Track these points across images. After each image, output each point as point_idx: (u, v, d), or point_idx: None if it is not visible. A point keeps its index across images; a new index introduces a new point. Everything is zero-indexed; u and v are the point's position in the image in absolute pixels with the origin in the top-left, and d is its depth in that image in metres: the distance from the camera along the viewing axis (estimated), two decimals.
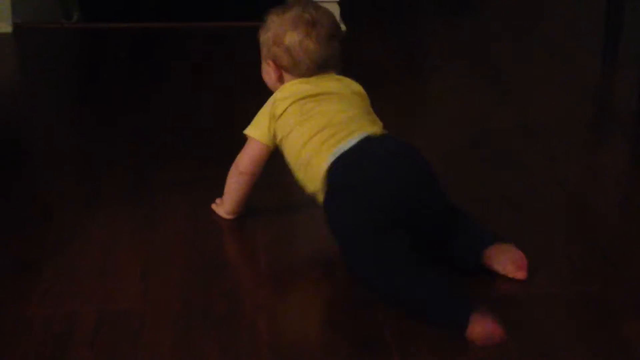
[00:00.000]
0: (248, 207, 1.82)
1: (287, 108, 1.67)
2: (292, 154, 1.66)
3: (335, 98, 1.68)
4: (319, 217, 1.66)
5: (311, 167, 1.62)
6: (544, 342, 1.44)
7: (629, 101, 2.54)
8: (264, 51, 1.74)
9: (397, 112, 2.34)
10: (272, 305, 1.54)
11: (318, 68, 1.70)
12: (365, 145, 1.60)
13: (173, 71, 2.83)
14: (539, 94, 2.63)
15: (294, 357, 1.40)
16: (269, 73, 1.75)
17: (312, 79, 1.70)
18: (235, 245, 1.75)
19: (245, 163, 1.74)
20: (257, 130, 1.71)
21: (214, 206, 1.83)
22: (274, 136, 1.70)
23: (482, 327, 1.41)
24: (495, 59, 2.97)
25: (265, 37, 1.73)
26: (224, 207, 1.80)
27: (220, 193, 1.82)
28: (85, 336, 1.44)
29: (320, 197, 1.63)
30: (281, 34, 1.69)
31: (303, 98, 1.67)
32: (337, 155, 1.59)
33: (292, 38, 1.69)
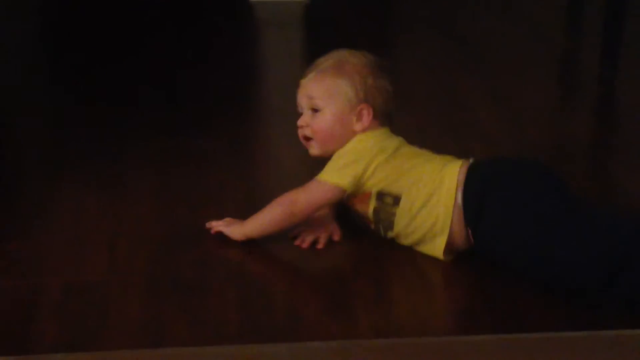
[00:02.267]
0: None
1: (386, 160, 1.58)
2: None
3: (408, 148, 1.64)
4: (288, 186, 1.65)
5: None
6: None
7: (592, 66, 2.56)
8: (350, 96, 1.62)
9: None
10: (241, 274, 1.54)
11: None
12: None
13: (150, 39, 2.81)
14: (506, 61, 2.63)
15: (262, 325, 1.40)
16: (352, 121, 1.62)
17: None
18: (204, 215, 1.74)
19: (304, 206, 1.58)
20: (343, 178, 1.58)
21: (221, 226, 1.63)
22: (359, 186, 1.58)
23: None
24: (462, 26, 2.97)
25: (355, 80, 1.62)
26: (244, 229, 1.61)
27: (193, 169, 1.81)
28: (51, 307, 1.43)
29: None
30: (371, 77, 1.63)
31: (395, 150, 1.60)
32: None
33: (381, 82, 1.64)
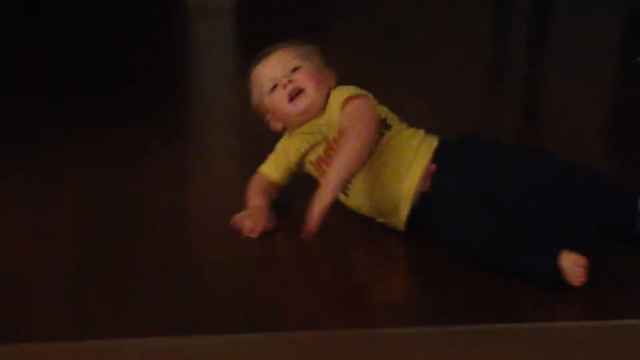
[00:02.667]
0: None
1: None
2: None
3: None
4: (219, 173, 1.64)
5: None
6: None
7: (519, 63, 2.61)
8: (318, 58, 1.73)
9: None
10: (170, 265, 1.53)
11: None
12: None
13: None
14: (435, 56, 2.66)
15: (190, 317, 1.39)
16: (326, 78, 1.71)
17: None
18: (133, 206, 1.72)
19: (369, 125, 1.61)
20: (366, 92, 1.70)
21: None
22: None
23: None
24: (395, 20, 2.99)
25: (316, 49, 1.74)
26: (331, 185, 1.54)
27: (122, 160, 1.80)
28: None
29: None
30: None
31: None
32: None
33: None
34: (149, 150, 1.95)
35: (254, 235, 1.61)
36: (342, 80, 1.74)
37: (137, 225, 1.63)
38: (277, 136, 1.74)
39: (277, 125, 1.73)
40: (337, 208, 1.72)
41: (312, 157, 1.68)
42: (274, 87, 1.68)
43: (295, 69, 1.68)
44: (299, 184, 1.72)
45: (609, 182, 1.63)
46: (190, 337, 1.34)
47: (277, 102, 1.68)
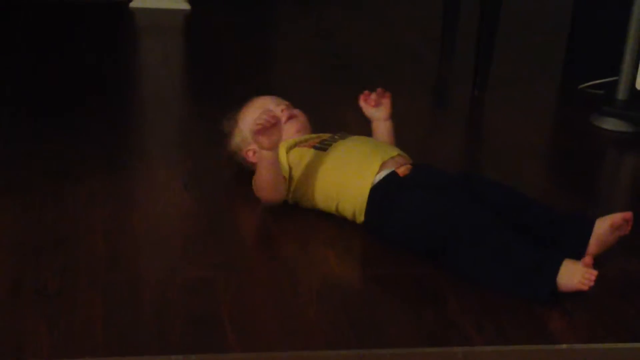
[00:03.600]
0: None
1: None
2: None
3: None
4: (159, 195, 1.63)
5: None
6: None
7: (464, 89, 2.65)
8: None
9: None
10: (108, 283, 1.52)
11: None
12: None
13: None
14: (380, 78, 2.68)
15: (128, 334, 1.38)
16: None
17: None
18: (71, 220, 1.71)
19: None
20: None
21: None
22: None
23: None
24: (341, 46, 3.01)
25: None
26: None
27: (61, 176, 1.78)
28: None
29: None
30: None
31: None
32: None
33: None
34: (89, 167, 1.93)
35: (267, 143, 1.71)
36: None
37: (75, 242, 1.62)
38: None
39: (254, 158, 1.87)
40: (285, 231, 1.74)
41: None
42: None
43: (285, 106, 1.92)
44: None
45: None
46: (124, 358, 1.33)
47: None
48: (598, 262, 1.58)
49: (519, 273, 1.53)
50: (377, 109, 1.94)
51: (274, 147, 1.75)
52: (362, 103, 1.95)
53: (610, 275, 1.60)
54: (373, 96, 1.93)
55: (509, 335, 1.43)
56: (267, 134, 1.72)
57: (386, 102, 1.94)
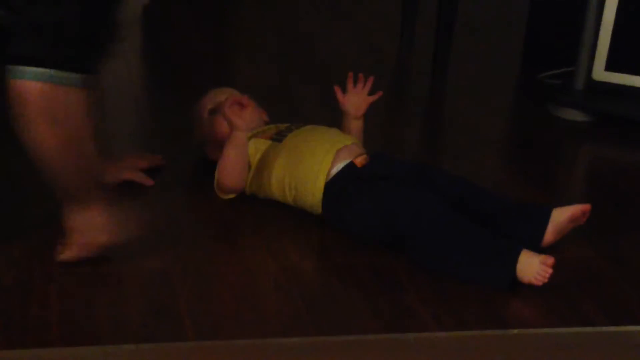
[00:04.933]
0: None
1: None
2: None
3: None
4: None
5: None
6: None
7: (423, 81, 2.66)
8: None
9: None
10: (64, 274, 1.51)
11: None
12: None
13: None
14: (340, 69, 2.67)
15: (83, 328, 1.38)
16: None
17: None
18: (27, 214, 1.69)
19: None
20: None
21: None
22: None
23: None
24: (301, 33, 3.01)
25: None
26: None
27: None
28: None
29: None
30: None
31: None
32: None
33: None
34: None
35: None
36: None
37: (31, 233, 1.61)
38: None
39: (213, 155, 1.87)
40: (243, 221, 1.73)
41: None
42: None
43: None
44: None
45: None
46: (82, 348, 1.33)
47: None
48: (554, 249, 1.60)
49: (479, 261, 1.54)
50: (353, 106, 1.90)
51: (248, 129, 1.74)
52: (340, 95, 1.91)
53: (565, 263, 1.61)
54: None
55: (466, 323, 1.44)
56: (242, 115, 1.72)
57: (364, 100, 1.90)
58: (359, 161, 1.73)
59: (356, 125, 1.92)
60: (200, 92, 1.96)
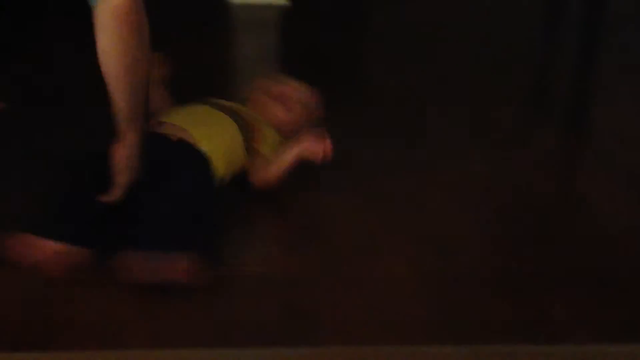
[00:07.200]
0: None
1: None
2: None
3: None
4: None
5: None
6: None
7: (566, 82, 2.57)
8: None
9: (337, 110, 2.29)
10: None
11: None
12: None
13: None
14: (480, 84, 2.63)
15: (224, 334, 1.39)
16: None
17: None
18: None
19: None
20: None
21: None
22: None
23: None
24: (442, 47, 2.95)
25: None
26: None
27: None
28: None
29: None
30: None
31: None
32: None
33: None
34: None
35: None
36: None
37: None
38: None
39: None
40: (380, 227, 1.72)
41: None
42: None
43: None
44: None
45: None
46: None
47: None
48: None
49: None
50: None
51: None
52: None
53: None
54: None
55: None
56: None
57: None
58: None
59: None
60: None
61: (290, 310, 1.45)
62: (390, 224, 1.73)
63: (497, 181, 1.95)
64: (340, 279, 1.55)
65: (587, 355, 1.36)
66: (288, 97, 1.94)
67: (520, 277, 1.58)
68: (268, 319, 1.43)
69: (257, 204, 1.78)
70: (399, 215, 1.77)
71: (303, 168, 1.81)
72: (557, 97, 2.48)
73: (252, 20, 3.10)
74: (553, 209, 1.86)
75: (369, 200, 1.81)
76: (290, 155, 1.77)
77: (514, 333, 1.42)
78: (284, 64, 2.75)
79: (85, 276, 1.50)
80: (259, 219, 1.75)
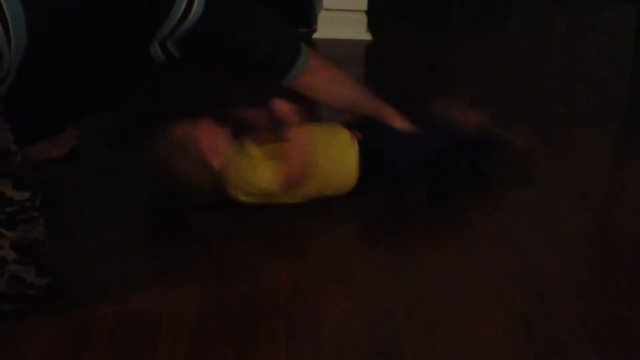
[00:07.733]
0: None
1: None
2: None
3: None
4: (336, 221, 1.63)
5: None
6: None
7: None
8: None
9: None
10: (291, 310, 1.54)
11: None
12: None
13: None
14: (562, 109, 2.60)
15: None
16: None
17: None
18: (253, 248, 1.74)
19: None
20: None
21: None
22: None
23: None
24: (524, 76, 2.93)
25: None
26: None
27: None
28: (102, 338, 1.44)
29: None
30: None
31: None
32: None
33: None
34: None
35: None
36: None
37: (264, 265, 1.65)
38: None
39: None
40: (467, 263, 1.70)
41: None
42: None
43: None
44: None
45: None
46: None
47: None
48: None
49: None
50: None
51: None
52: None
53: None
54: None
55: None
56: None
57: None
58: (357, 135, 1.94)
59: None
60: None
61: (372, 349, 1.44)
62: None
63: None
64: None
65: None
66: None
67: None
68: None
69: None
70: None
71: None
72: None
73: (335, 55, 3.12)
74: None
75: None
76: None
77: None
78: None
79: None
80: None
